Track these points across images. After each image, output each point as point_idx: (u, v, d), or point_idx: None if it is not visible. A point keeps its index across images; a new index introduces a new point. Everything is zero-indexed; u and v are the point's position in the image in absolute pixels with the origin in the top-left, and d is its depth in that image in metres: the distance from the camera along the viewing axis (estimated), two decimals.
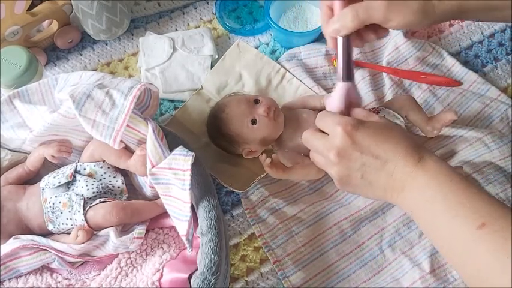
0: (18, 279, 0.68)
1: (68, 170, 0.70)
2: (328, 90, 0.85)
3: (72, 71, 0.88)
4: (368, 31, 0.62)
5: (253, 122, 0.74)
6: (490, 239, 0.48)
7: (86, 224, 0.67)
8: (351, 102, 0.62)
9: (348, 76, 0.62)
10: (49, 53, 0.91)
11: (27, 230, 0.69)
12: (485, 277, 0.47)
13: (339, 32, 0.60)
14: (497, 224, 0.48)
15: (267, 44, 0.93)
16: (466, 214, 0.50)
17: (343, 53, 0.61)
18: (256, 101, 0.75)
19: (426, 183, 0.53)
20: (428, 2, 0.58)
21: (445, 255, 0.54)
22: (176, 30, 0.94)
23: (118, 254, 0.68)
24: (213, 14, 0.96)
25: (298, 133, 0.75)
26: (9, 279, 0.68)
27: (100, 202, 0.68)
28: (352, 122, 0.56)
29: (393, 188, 0.55)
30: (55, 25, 0.89)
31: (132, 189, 0.74)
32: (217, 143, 0.79)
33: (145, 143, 0.67)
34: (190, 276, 0.64)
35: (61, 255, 0.66)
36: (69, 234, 0.67)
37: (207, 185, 0.67)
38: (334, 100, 0.62)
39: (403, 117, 0.76)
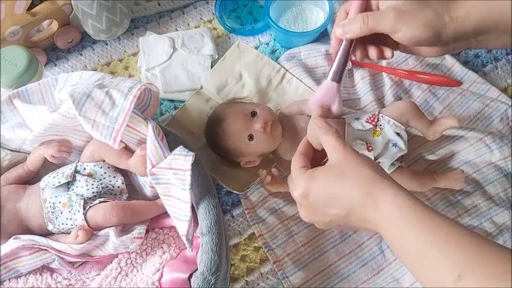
0: (18, 279, 0.68)
1: (68, 170, 0.70)
2: None
3: (72, 71, 0.88)
4: (373, 47, 0.63)
5: (250, 137, 0.73)
6: None
7: (86, 224, 0.67)
8: (330, 103, 0.64)
9: (337, 78, 0.63)
10: (49, 53, 0.91)
11: (27, 230, 0.69)
12: None
13: (345, 34, 0.61)
14: (473, 273, 0.46)
15: (267, 44, 0.93)
16: (439, 264, 0.48)
17: (341, 55, 0.62)
18: (254, 114, 0.74)
19: (392, 234, 0.52)
20: (439, 17, 0.58)
21: None
22: (176, 30, 0.94)
23: (118, 254, 0.68)
24: (213, 14, 0.96)
25: (296, 143, 0.73)
26: (9, 279, 0.68)
27: (100, 202, 0.68)
28: (304, 185, 0.57)
29: (370, 230, 0.56)
30: (55, 25, 0.89)
31: (132, 189, 0.74)
32: (216, 152, 0.79)
33: (145, 143, 0.66)
34: (190, 276, 0.64)
35: (61, 255, 0.66)
36: (69, 234, 0.67)
37: (207, 185, 0.67)
38: (316, 96, 0.64)
39: (403, 124, 0.75)
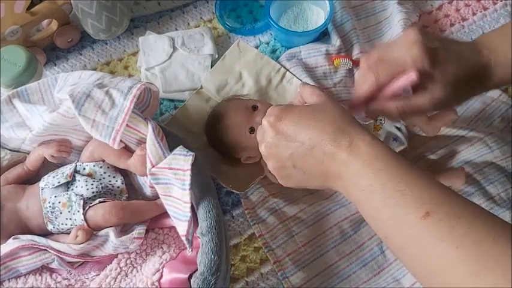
0: (18, 279, 0.68)
1: (67, 169, 0.70)
2: (328, 89, 0.85)
3: (72, 71, 0.88)
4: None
5: (251, 130, 0.73)
6: (436, 229, 0.44)
7: (85, 224, 0.67)
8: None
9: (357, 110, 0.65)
10: (48, 52, 0.91)
11: (27, 230, 0.69)
12: (434, 271, 0.44)
13: (375, 114, 0.61)
14: (441, 211, 0.44)
15: (267, 43, 0.93)
16: (408, 203, 0.46)
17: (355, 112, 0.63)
18: (255, 108, 0.74)
19: (360, 171, 0.50)
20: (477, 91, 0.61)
21: (390, 247, 0.50)
22: (176, 29, 0.94)
23: (118, 254, 0.68)
24: (213, 13, 0.95)
25: None
26: (8, 279, 0.68)
27: (100, 202, 0.68)
28: (276, 113, 0.56)
29: (329, 175, 0.53)
30: (54, 24, 0.88)
31: (132, 189, 0.74)
32: (216, 149, 0.79)
33: (145, 142, 0.66)
34: (190, 276, 0.64)
35: (61, 255, 0.66)
36: (69, 234, 0.67)
37: (207, 185, 0.67)
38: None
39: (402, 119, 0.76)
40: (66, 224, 0.68)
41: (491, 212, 0.46)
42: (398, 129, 0.74)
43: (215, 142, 0.78)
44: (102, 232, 0.67)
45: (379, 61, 0.58)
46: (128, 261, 0.68)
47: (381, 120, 0.74)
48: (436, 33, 0.93)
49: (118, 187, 0.72)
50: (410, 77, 0.54)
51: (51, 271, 0.69)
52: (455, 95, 0.58)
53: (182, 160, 0.63)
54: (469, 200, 0.47)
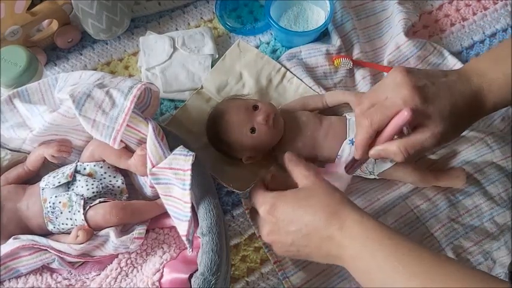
0: (18, 279, 0.68)
1: (67, 169, 0.70)
2: (328, 89, 0.85)
3: (72, 71, 0.87)
4: None
5: (252, 130, 0.73)
6: None
7: (86, 224, 0.67)
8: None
9: (351, 173, 0.70)
10: (49, 52, 0.91)
11: (27, 230, 0.69)
12: None
13: (379, 156, 0.60)
14: (436, 283, 0.47)
15: (268, 43, 0.93)
16: (403, 280, 0.49)
17: (363, 160, 0.65)
18: (255, 108, 0.74)
19: (357, 253, 0.52)
20: (472, 121, 0.60)
21: None
22: (176, 29, 0.94)
23: (118, 254, 0.68)
24: (214, 13, 0.95)
25: (297, 137, 0.74)
26: (9, 279, 0.68)
27: (100, 202, 0.68)
28: (271, 201, 0.57)
29: (330, 257, 0.55)
30: (55, 24, 0.89)
31: (132, 189, 0.74)
32: (217, 148, 0.79)
33: (145, 142, 0.66)
34: (191, 276, 0.64)
35: (61, 255, 0.66)
36: (69, 234, 0.67)
37: (207, 185, 0.67)
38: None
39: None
40: (66, 224, 0.68)
41: (489, 276, 0.49)
42: None
43: (216, 142, 0.78)
44: (103, 232, 0.67)
45: (371, 107, 0.58)
46: (129, 261, 0.68)
47: None
48: (436, 34, 0.93)
49: (118, 187, 0.72)
50: (403, 114, 0.55)
51: (52, 271, 0.69)
52: (454, 128, 0.58)
53: (182, 160, 0.63)
54: (465, 267, 0.50)
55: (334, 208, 0.55)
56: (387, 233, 0.52)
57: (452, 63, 0.88)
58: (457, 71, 0.60)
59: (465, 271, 0.49)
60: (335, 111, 0.79)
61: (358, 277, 0.54)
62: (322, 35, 0.92)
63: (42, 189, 0.69)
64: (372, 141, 0.60)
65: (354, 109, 0.65)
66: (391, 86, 0.57)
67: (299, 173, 0.60)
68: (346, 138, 0.73)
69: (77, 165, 0.70)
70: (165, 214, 0.68)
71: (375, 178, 0.76)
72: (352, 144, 0.73)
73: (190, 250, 0.63)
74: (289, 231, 0.56)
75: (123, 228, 0.69)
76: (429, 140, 0.57)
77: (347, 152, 0.73)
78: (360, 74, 0.87)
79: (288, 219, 0.56)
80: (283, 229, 0.57)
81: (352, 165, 0.67)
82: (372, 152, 0.60)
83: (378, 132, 0.59)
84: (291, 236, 0.56)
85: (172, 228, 0.71)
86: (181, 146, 0.66)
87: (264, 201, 0.58)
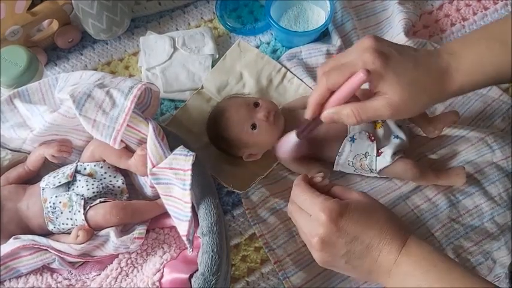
0: (19, 279, 0.68)
1: (68, 169, 0.70)
2: None
3: (73, 71, 0.88)
4: None
5: (253, 126, 0.73)
6: None
7: (86, 224, 0.67)
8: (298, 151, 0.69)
9: (300, 136, 0.67)
10: (49, 52, 0.91)
11: (28, 230, 0.69)
12: None
13: (332, 121, 0.59)
14: None
15: (268, 43, 0.93)
16: None
17: (315, 123, 0.63)
18: (256, 105, 0.75)
19: (411, 271, 0.53)
20: (434, 100, 0.60)
21: None
22: (177, 29, 0.94)
23: (118, 254, 0.68)
24: (214, 13, 0.95)
25: None
26: (9, 279, 0.68)
27: (100, 202, 0.68)
28: (338, 209, 0.55)
29: (378, 273, 0.55)
30: (55, 24, 0.89)
31: (133, 189, 0.74)
32: (217, 146, 0.79)
33: (145, 142, 0.66)
34: (191, 276, 0.64)
35: (61, 256, 0.66)
36: (70, 234, 0.67)
37: (207, 185, 0.67)
38: (284, 149, 0.70)
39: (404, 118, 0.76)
40: (66, 224, 0.68)
41: None
42: (400, 127, 0.74)
43: (217, 139, 0.78)
44: (103, 232, 0.67)
45: (332, 68, 0.57)
46: (129, 261, 0.68)
47: None
48: (437, 33, 0.93)
49: (119, 187, 0.72)
50: (359, 75, 0.54)
51: (52, 271, 0.69)
52: (413, 100, 0.57)
53: (183, 160, 0.63)
54: None
55: (396, 225, 0.55)
56: (441, 257, 0.53)
57: None
58: (428, 49, 0.60)
59: None
60: None
61: None
62: (323, 35, 0.92)
63: (43, 189, 0.69)
64: (324, 101, 0.59)
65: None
66: (357, 49, 0.56)
67: (342, 189, 0.60)
68: (346, 136, 0.73)
69: (77, 165, 0.71)
70: (166, 214, 0.68)
71: (375, 176, 0.76)
72: (353, 142, 0.73)
73: (191, 250, 0.63)
74: (349, 242, 0.55)
75: (124, 228, 0.69)
76: (384, 109, 0.56)
77: (348, 149, 0.73)
78: None
79: (352, 232, 0.55)
80: (342, 240, 0.55)
81: (304, 129, 0.65)
82: (324, 114, 0.59)
83: (332, 93, 0.58)
84: (347, 247, 0.55)
85: (173, 228, 0.71)
86: (182, 146, 0.66)
87: (326, 207, 0.55)
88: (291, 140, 0.68)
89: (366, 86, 0.58)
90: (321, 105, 0.59)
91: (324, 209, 0.55)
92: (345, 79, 0.56)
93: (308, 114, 0.61)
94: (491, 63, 0.58)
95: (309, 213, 0.58)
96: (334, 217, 0.55)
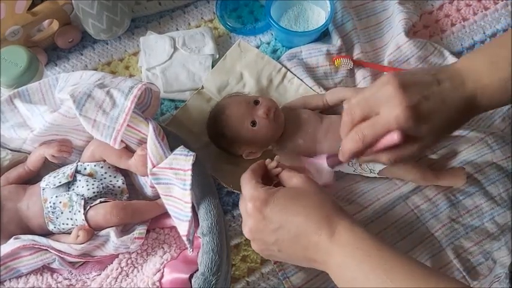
0: (19, 279, 0.68)
1: (68, 169, 0.70)
2: (329, 89, 0.85)
3: (73, 71, 0.88)
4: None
5: (253, 123, 0.73)
6: None
7: (86, 224, 0.67)
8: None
9: (334, 167, 0.70)
10: (50, 52, 0.91)
11: (28, 230, 0.69)
12: None
13: (353, 157, 0.60)
14: None
15: (268, 43, 0.93)
16: None
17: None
18: (256, 102, 0.75)
19: (344, 262, 0.52)
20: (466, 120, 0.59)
21: None
22: (177, 29, 0.94)
23: (119, 254, 0.68)
24: (214, 13, 0.95)
25: (298, 134, 0.75)
26: (9, 279, 0.68)
27: (100, 202, 0.68)
28: (262, 197, 0.56)
29: (315, 261, 0.55)
30: (55, 25, 0.89)
31: (133, 189, 0.74)
32: (217, 144, 0.79)
33: (146, 142, 0.66)
34: (191, 276, 0.64)
35: (61, 256, 0.66)
36: (70, 234, 0.67)
37: (207, 185, 0.67)
38: (321, 179, 0.70)
39: None
40: (67, 224, 0.68)
41: None
42: None
43: (217, 137, 0.78)
44: (103, 232, 0.67)
45: (362, 117, 0.57)
46: (129, 261, 0.68)
47: None
48: (437, 34, 0.93)
49: (119, 187, 0.72)
50: (393, 138, 0.55)
51: (52, 271, 0.69)
52: (444, 137, 0.59)
53: (183, 160, 0.63)
54: (458, 282, 0.50)
55: (326, 212, 0.55)
56: (376, 244, 0.52)
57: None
58: (449, 74, 0.57)
59: (458, 286, 0.49)
60: (335, 111, 0.79)
61: (342, 285, 0.54)
62: (323, 35, 0.92)
63: (43, 189, 0.69)
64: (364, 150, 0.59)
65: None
66: (384, 100, 0.55)
67: (289, 174, 0.60)
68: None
69: (77, 165, 0.71)
70: (166, 214, 0.68)
71: (375, 176, 0.76)
72: None
73: (191, 250, 0.63)
74: (276, 230, 0.55)
75: (124, 228, 0.69)
76: (418, 151, 0.57)
77: None
78: (360, 74, 0.87)
79: (277, 219, 0.55)
80: (269, 227, 0.56)
81: (335, 161, 0.67)
82: (360, 160, 0.61)
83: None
84: (275, 235, 0.56)
85: (173, 228, 0.71)
86: (182, 146, 0.66)
87: (254, 196, 0.57)
88: (321, 168, 0.70)
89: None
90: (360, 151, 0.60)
91: (250, 198, 0.57)
92: (379, 137, 0.56)
93: (343, 159, 0.61)
94: None
95: (244, 202, 0.59)
96: (258, 206, 0.56)
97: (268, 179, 0.63)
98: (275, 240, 0.56)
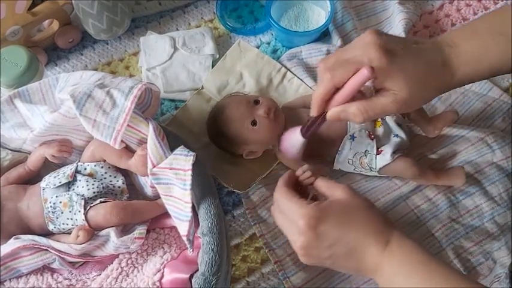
0: (19, 279, 0.68)
1: (68, 169, 0.70)
2: None
3: (73, 71, 0.88)
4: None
5: (253, 123, 0.73)
6: None
7: (86, 224, 0.67)
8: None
9: (306, 135, 0.66)
10: (50, 52, 0.91)
11: (28, 230, 0.69)
12: None
13: (340, 119, 0.58)
14: None
15: (268, 43, 0.93)
16: None
17: (320, 121, 0.62)
18: (256, 102, 0.75)
19: (394, 273, 0.53)
20: (445, 87, 0.58)
21: None
22: (177, 29, 0.94)
23: (119, 254, 0.68)
24: (214, 13, 0.95)
25: None
26: (10, 279, 0.68)
27: (101, 202, 0.68)
28: (314, 214, 0.54)
29: (366, 271, 0.55)
30: (56, 25, 0.89)
31: (133, 189, 0.74)
32: (218, 144, 0.79)
33: (146, 142, 0.66)
34: (191, 276, 0.64)
35: (62, 256, 0.66)
36: (70, 234, 0.67)
37: (208, 185, 0.67)
38: (291, 149, 0.69)
39: (404, 117, 0.76)
40: (67, 224, 0.68)
41: None
42: (400, 126, 0.74)
43: (217, 136, 0.78)
44: (103, 232, 0.67)
45: (336, 63, 0.56)
46: (129, 261, 0.68)
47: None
48: (437, 34, 0.93)
49: (119, 187, 0.72)
50: (363, 72, 0.53)
51: (52, 271, 0.69)
52: (418, 95, 0.56)
53: (183, 160, 0.63)
54: None
55: (379, 226, 0.55)
56: (425, 257, 0.53)
57: None
58: (430, 40, 0.58)
59: None
60: None
61: None
62: (323, 35, 0.92)
63: (43, 189, 0.69)
64: (329, 98, 0.58)
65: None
66: (360, 45, 0.56)
67: (327, 184, 0.59)
68: (346, 134, 0.73)
69: (77, 165, 0.71)
70: (166, 214, 0.68)
71: (375, 175, 0.76)
72: (353, 140, 0.73)
73: (191, 250, 0.63)
74: (331, 246, 0.55)
75: (124, 228, 0.69)
76: (392, 105, 0.56)
77: (348, 147, 0.73)
78: None
79: (332, 236, 0.54)
80: (323, 244, 0.55)
81: (309, 127, 0.64)
82: (330, 112, 0.58)
83: (338, 89, 0.57)
84: (330, 251, 0.55)
85: (173, 228, 0.71)
86: (182, 146, 0.66)
87: (304, 214, 0.54)
88: (295, 139, 0.67)
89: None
90: (326, 102, 0.58)
91: (300, 216, 0.55)
92: (350, 76, 0.55)
93: (314, 111, 0.59)
94: (493, 55, 0.57)
95: (288, 218, 0.57)
96: (312, 224, 0.54)
97: (297, 187, 0.62)
98: (329, 255, 0.55)
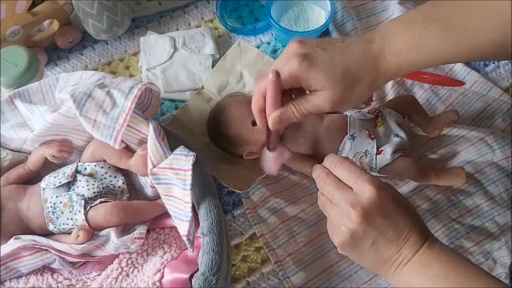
0: (19, 279, 0.68)
1: (68, 170, 0.70)
2: None
3: (73, 71, 0.88)
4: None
5: (254, 123, 0.73)
6: None
7: (86, 224, 0.67)
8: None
9: (274, 148, 0.66)
10: (50, 52, 0.91)
11: (28, 230, 0.69)
12: None
13: (280, 123, 0.58)
14: None
15: (268, 43, 0.93)
16: None
17: (274, 134, 0.63)
18: None
19: (429, 261, 0.52)
20: (373, 86, 0.58)
21: None
22: (177, 29, 0.94)
23: (119, 254, 0.68)
24: (214, 13, 0.95)
25: (299, 133, 0.75)
26: (10, 279, 0.68)
27: (101, 202, 0.68)
28: (364, 205, 0.53)
29: (395, 261, 0.54)
30: (56, 25, 0.89)
31: (133, 189, 0.74)
32: (218, 144, 0.79)
33: (146, 143, 0.66)
34: (191, 276, 0.64)
35: (62, 256, 0.66)
36: (70, 234, 0.67)
37: (208, 185, 0.67)
38: (271, 166, 0.68)
39: (404, 117, 0.76)
40: (67, 224, 0.68)
41: None
42: (400, 126, 0.75)
43: (217, 136, 0.78)
44: (103, 232, 0.67)
45: (262, 75, 0.58)
46: (129, 261, 0.68)
47: (382, 117, 0.75)
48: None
49: (119, 187, 0.72)
50: (268, 76, 0.55)
51: (53, 271, 0.69)
52: (349, 90, 0.57)
53: (183, 160, 0.63)
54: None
55: (423, 222, 0.55)
56: (463, 257, 0.54)
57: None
58: (363, 34, 0.58)
59: None
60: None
61: (418, 284, 0.53)
62: (323, 35, 0.92)
63: (43, 189, 0.69)
64: (264, 108, 0.59)
65: None
66: (283, 55, 0.58)
67: (365, 177, 0.56)
68: (347, 134, 0.73)
69: (77, 165, 0.71)
70: (166, 214, 0.68)
71: (376, 175, 0.76)
72: (353, 140, 0.73)
73: (191, 250, 0.63)
74: (386, 222, 0.53)
75: (124, 228, 0.69)
76: (324, 103, 0.57)
77: (348, 147, 0.73)
78: None
79: (392, 210, 0.53)
80: (381, 218, 0.53)
81: (269, 141, 0.65)
82: (270, 120, 0.58)
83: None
84: (384, 226, 0.53)
85: (173, 228, 0.71)
86: (182, 146, 0.66)
87: (356, 203, 0.53)
88: (267, 155, 0.68)
89: None
90: (264, 112, 0.59)
91: (354, 205, 0.53)
92: None
93: (258, 122, 0.61)
94: (431, 42, 0.56)
95: (339, 207, 0.55)
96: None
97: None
98: (378, 232, 0.53)
